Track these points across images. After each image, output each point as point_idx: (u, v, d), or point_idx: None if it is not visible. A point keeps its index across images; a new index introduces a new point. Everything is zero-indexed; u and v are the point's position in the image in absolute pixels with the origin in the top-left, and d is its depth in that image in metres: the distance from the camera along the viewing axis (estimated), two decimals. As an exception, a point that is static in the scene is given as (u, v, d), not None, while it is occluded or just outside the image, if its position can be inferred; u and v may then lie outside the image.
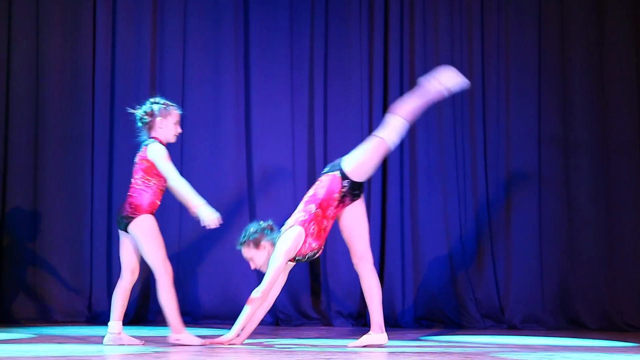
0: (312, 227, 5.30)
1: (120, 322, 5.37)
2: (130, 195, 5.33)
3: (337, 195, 5.38)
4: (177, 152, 7.55)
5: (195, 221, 7.34)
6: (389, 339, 5.57)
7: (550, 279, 7.55)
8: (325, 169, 5.53)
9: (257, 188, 7.58)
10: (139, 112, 5.37)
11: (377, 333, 5.46)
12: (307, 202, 5.37)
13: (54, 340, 5.62)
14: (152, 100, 5.39)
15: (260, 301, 5.16)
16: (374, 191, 7.59)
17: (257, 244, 5.28)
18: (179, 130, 5.39)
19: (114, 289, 7.32)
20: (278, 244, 5.24)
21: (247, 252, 5.32)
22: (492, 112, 7.69)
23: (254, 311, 5.19)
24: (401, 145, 7.61)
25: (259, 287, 5.17)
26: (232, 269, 7.41)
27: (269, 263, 5.23)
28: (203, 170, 7.48)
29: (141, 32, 7.58)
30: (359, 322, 7.41)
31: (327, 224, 5.38)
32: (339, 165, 5.44)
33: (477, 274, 7.55)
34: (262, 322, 7.37)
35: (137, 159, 5.34)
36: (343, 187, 5.39)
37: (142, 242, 5.26)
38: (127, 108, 5.48)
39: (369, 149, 5.47)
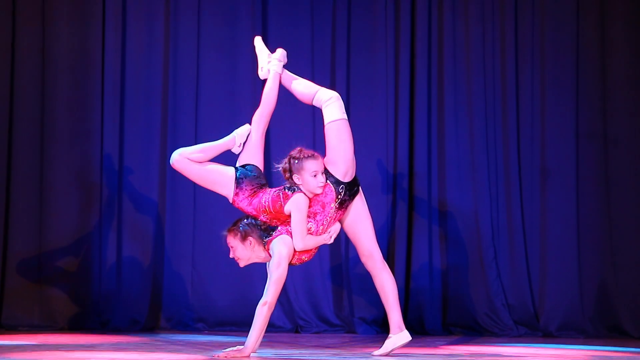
0: None
1: None
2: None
3: (333, 205, 5.34)
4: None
5: (209, 221, 7.38)
6: (416, 346, 5.53)
7: (589, 283, 7.45)
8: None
9: (276, 190, 7.51)
10: (280, 169, 5.43)
11: (397, 334, 5.44)
12: None
13: (60, 349, 5.59)
14: (290, 154, 5.40)
15: (269, 312, 5.13)
16: (399, 189, 7.52)
17: (244, 237, 5.28)
18: (321, 180, 5.30)
19: (123, 294, 7.37)
20: (276, 250, 5.22)
21: (232, 241, 5.31)
22: (527, 104, 7.60)
23: (265, 324, 5.14)
24: (429, 140, 7.55)
25: (264, 297, 5.12)
26: (250, 271, 7.31)
27: (270, 271, 5.20)
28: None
29: (153, 23, 7.53)
30: (384, 329, 7.31)
31: (323, 229, 5.34)
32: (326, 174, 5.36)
33: (510, 278, 7.47)
34: (281, 329, 7.38)
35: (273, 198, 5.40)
36: (339, 193, 5.34)
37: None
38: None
39: (342, 139, 5.41)
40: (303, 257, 5.31)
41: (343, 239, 7.35)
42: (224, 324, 7.42)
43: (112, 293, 7.34)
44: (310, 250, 5.32)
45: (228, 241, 5.33)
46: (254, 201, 5.34)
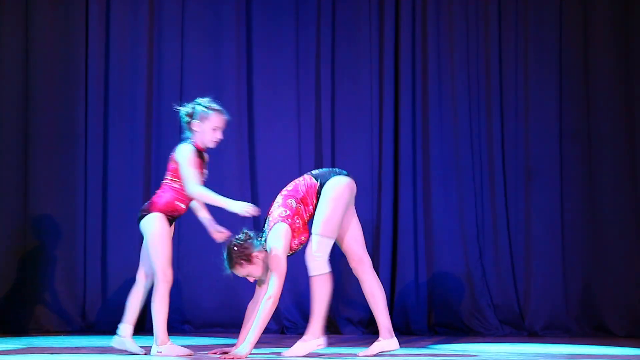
0: (297, 221, 5.32)
1: (130, 327, 5.41)
2: (155, 192, 5.42)
3: (316, 195, 5.42)
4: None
5: (195, 221, 7.39)
6: (402, 346, 5.54)
7: (574, 283, 7.50)
8: (314, 172, 5.52)
9: (261, 190, 7.54)
10: (182, 110, 5.37)
11: (387, 339, 5.46)
12: (287, 197, 5.39)
13: (45, 351, 5.60)
14: (197, 100, 5.37)
15: (273, 306, 5.15)
16: (385, 190, 7.55)
17: (249, 259, 5.22)
18: (219, 136, 5.32)
19: (108, 297, 7.38)
20: (272, 245, 5.22)
21: (242, 271, 5.25)
22: (511, 104, 7.64)
23: (268, 317, 5.17)
24: (413, 142, 7.59)
25: (268, 293, 5.15)
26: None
27: (271, 267, 5.21)
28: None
29: (137, 22, 7.54)
30: (370, 330, 7.36)
31: (310, 215, 5.40)
32: (326, 178, 5.41)
33: (495, 278, 7.51)
34: (267, 330, 7.37)
35: (170, 157, 5.36)
36: (319, 193, 5.43)
37: (147, 242, 5.31)
38: (174, 105, 5.47)
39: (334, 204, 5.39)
40: (302, 237, 5.33)
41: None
42: (210, 325, 7.43)
43: (97, 296, 7.34)
44: (307, 231, 5.33)
45: (240, 274, 5.26)
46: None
